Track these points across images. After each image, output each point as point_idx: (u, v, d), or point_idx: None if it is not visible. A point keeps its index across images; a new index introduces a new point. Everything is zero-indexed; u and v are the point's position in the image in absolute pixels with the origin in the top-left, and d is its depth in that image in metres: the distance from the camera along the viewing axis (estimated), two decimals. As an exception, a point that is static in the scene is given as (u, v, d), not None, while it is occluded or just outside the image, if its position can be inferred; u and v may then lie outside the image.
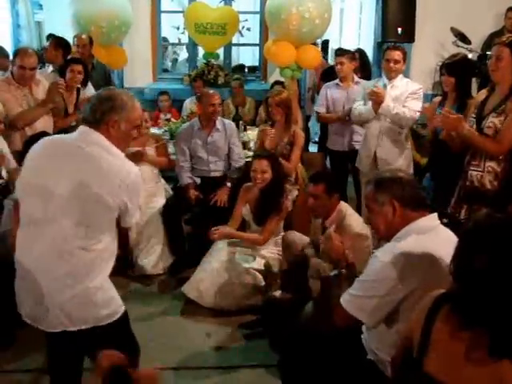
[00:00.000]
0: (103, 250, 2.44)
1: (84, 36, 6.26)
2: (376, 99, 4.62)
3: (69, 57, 5.63)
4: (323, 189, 3.60)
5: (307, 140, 6.94)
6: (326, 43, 9.49)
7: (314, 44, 7.19)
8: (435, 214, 2.38)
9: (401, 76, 4.82)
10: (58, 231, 2.34)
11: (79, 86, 5.14)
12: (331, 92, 5.68)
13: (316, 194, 3.63)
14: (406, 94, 4.70)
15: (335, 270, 2.78)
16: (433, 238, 2.26)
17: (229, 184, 5.04)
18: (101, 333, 2.44)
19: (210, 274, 4.19)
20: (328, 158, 6.18)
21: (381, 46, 7.17)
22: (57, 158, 2.41)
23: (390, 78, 4.79)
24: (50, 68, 5.64)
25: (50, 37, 6.74)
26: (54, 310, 2.38)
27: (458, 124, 3.58)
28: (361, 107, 4.91)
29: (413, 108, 4.62)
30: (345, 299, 2.36)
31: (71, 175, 2.33)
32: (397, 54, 4.71)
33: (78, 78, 5.09)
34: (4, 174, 3.51)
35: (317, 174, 3.83)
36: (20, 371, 3.45)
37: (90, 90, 5.30)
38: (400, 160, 4.78)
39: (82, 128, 2.45)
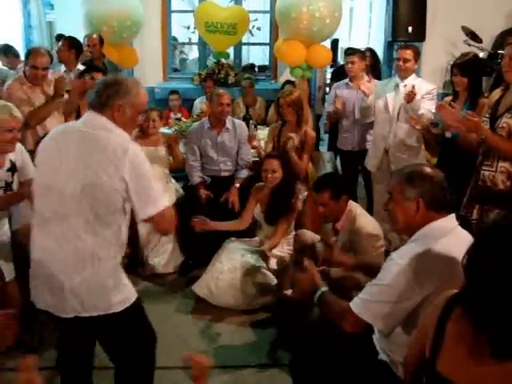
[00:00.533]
0: (112, 237, 2.44)
1: (95, 36, 6.30)
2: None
3: (80, 57, 5.69)
4: (329, 195, 3.55)
5: (317, 139, 6.93)
6: (335, 42, 9.47)
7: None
8: (453, 215, 2.32)
9: (413, 76, 4.80)
10: (69, 219, 2.38)
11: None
12: (341, 92, 5.66)
13: (322, 202, 3.58)
14: (420, 94, 4.66)
15: (316, 296, 2.49)
16: (452, 240, 2.19)
17: (237, 185, 5.05)
18: (114, 321, 2.46)
19: (221, 273, 4.20)
20: (338, 158, 6.17)
21: (391, 45, 7.16)
22: (64, 147, 2.45)
23: (402, 77, 4.77)
24: (63, 68, 5.66)
25: (60, 37, 6.78)
26: (67, 296, 2.40)
27: (479, 126, 3.55)
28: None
29: (429, 109, 4.59)
30: (356, 304, 2.28)
31: (79, 163, 2.37)
32: (407, 53, 4.69)
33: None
34: (15, 186, 3.47)
35: (319, 182, 3.75)
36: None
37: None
38: (412, 161, 4.75)
39: (88, 113, 2.51)
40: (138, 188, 2.36)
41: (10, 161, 3.37)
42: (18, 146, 3.44)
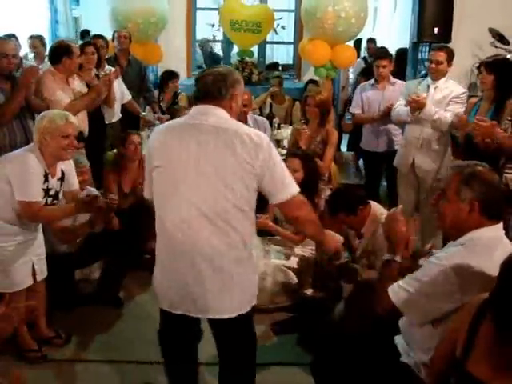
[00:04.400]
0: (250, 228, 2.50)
1: (124, 30, 6.40)
2: (416, 106, 4.58)
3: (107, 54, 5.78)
4: (344, 214, 3.57)
5: (340, 139, 6.92)
6: (358, 42, 9.44)
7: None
8: (501, 225, 2.26)
9: (445, 78, 4.75)
10: (216, 208, 2.32)
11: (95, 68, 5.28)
12: (366, 93, 5.65)
13: (341, 221, 3.61)
14: (450, 97, 4.64)
15: (388, 255, 2.53)
16: (501, 252, 2.05)
17: None
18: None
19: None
20: (362, 159, 6.16)
21: (416, 46, 7.11)
22: (197, 141, 2.34)
23: (434, 79, 4.74)
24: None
25: (85, 33, 6.87)
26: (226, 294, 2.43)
27: (491, 131, 3.52)
28: (400, 108, 4.89)
29: (455, 112, 4.54)
30: (395, 292, 2.29)
31: (217, 155, 2.30)
32: (440, 55, 4.63)
33: (92, 58, 5.20)
34: (61, 195, 3.45)
35: (330, 204, 3.73)
36: (76, 361, 3.54)
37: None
38: (437, 164, 4.74)
39: (202, 107, 2.41)
40: (274, 174, 2.36)
41: (61, 170, 3.40)
42: None
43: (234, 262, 2.41)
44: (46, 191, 3.26)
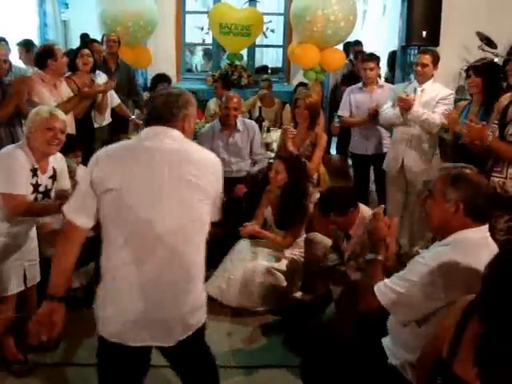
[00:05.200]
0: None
1: (113, 34, 6.41)
2: (404, 106, 4.62)
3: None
4: (335, 216, 3.59)
5: (328, 142, 6.95)
6: (347, 45, 9.47)
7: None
8: (486, 226, 2.27)
9: (431, 81, 4.80)
10: (172, 237, 2.22)
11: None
12: (354, 96, 5.67)
13: (332, 222, 3.64)
14: (437, 99, 4.69)
15: (372, 254, 2.57)
16: (486, 254, 2.02)
17: (244, 189, 5.09)
18: (199, 333, 2.43)
19: (232, 273, 4.21)
20: (350, 162, 6.18)
21: (405, 50, 7.15)
22: (153, 165, 2.22)
23: (420, 82, 4.78)
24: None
25: (85, 36, 6.84)
26: (175, 321, 2.28)
27: (482, 133, 3.55)
28: (388, 111, 4.92)
29: (442, 114, 4.58)
30: (380, 290, 2.30)
31: (174, 178, 2.21)
32: (425, 58, 4.70)
33: (88, 61, 5.21)
34: (52, 194, 3.40)
35: (322, 204, 3.74)
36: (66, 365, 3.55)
37: (100, 77, 5.48)
38: (427, 167, 4.77)
39: (154, 128, 2.32)
40: (217, 199, 2.40)
41: (53, 168, 3.37)
42: (59, 155, 3.44)
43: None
44: (35, 187, 3.23)
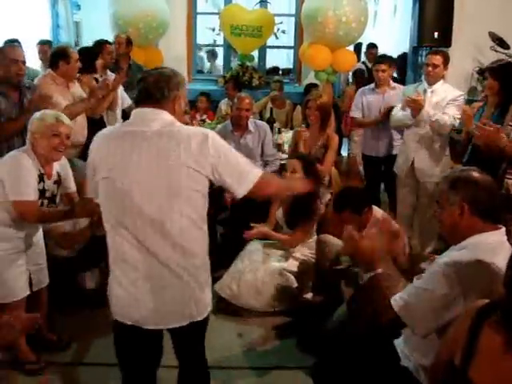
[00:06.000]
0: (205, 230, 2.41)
1: (122, 35, 6.41)
2: (414, 106, 4.60)
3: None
4: (349, 213, 3.58)
5: (340, 144, 6.94)
6: (358, 46, 9.46)
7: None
8: (503, 229, 2.24)
9: (442, 81, 4.79)
10: (168, 217, 2.21)
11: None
12: (367, 97, 5.66)
13: (345, 220, 3.60)
14: (447, 100, 4.67)
15: (368, 273, 2.47)
16: (504, 257, 1.98)
17: None
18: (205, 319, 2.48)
19: (243, 274, 4.22)
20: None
21: (416, 50, 7.13)
22: (142, 148, 2.22)
23: (430, 83, 4.76)
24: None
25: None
26: (184, 301, 2.34)
27: (495, 136, 3.53)
28: (399, 113, 4.90)
29: (453, 115, 4.58)
30: (397, 303, 2.23)
31: (163, 160, 2.20)
32: (436, 59, 4.68)
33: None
34: (58, 199, 3.43)
35: (338, 201, 3.74)
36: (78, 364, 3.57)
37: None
38: (437, 168, 4.75)
39: (148, 111, 2.29)
40: (228, 168, 2.26)
41: (58, 173, 3.38)
42: (64, 159, 3.43)
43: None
44: (42, 192, 3.24)
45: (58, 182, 3.40)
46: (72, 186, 3.52)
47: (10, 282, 3.23)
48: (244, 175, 2.29)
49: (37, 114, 3.29)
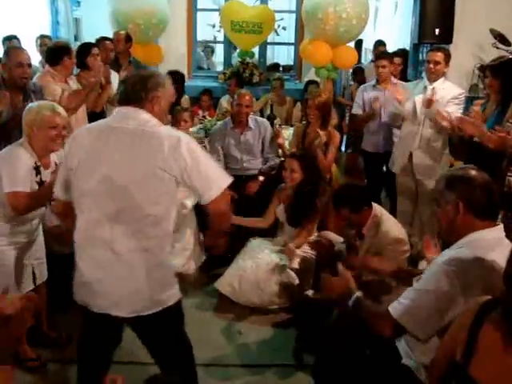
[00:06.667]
0: (171, 229, 2.43)
1: (122, 32, 6.38)
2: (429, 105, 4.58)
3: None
4: (348, 211, 3.58)
5: (340, 140, 6.92)
6: (359, 43, 9.44)
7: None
8: (501, 226, 2.24)
9: (442, 79, 4.76)
10: (132, 212, 2.32)
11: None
12: (368, 94, 5.65)
13: (344, 217, 3.63)
14: (447, 98, 4.64)
15: (350, 301, 2.42)
16: (503, 253, 1.98)
17: (261, 178, 5.09)
18: (166, 314, 2.47)
19: (244, 271, 4.21)
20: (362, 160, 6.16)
21: (417, 48, 7.12)
22: (112, 142, 2.36)
23: (431, 80, 4.73)
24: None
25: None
26: (134, 294, 2.38)
27: (505, 141, 3.51)
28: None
29: (454, 113, 4.54)
30: (396, 309, 2.18)
31: (131, 157, 2.32)
32: (437, 56, 4.66)
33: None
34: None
35: (337, 198, 3.73)
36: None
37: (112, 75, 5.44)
38: (436, 166, 4.73)
39: (124, 108, 2.43)
40: (197, 173, 2.33)
41: (55, 163, 3.36)
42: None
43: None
44: (40, 184, 3.22)
45: (56, 171, 3.38)
46: None
47: (16, 276, 3.25)
48: (212, 182, 2.36)
49: (32, 106, 3.27)
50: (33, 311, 2.23)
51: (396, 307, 2.19)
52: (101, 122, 2.61)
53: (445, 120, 4.49)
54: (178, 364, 2.67)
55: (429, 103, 4.56)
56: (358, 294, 2.42)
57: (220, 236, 2.77)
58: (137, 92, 2.42)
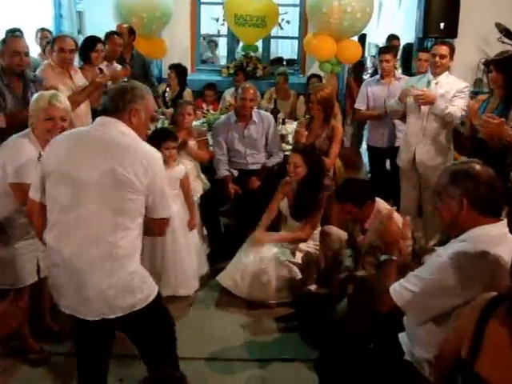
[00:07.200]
0: (137, 236, 2.48)
1: (124, 25, 6.38)
2: (425, 100, 4.56)
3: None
4: (352, 206, 3.58)
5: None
6: (363, 37, 9.39)
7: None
8: (505, 222, 2.23)
9: (446, 73, 4.72)
10: (93, 219, 2.37)
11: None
12: (372, 88, 5.63)
13: (347, 212, 3.63)
14: (452, 92, 4.61)
15: (386, 255, 2.57)
16: (505, 249, 2.08)
17: (264, 172, 5.09)
18: (137, 316, 2.48)
19: (247, 265, 4.21)
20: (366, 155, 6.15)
21: (422, 42, 7.07)
22: (84, 149, 2.44)
23: (435, 74, 4.69)
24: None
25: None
26: (93, 299, 2.40)
27: (500, 128, 3.50)
28: (392, 102, 4.87)
29: (459, 107, 4.51)
30: (396, 291, 2.27)
31: (100, 164, 2.37)
32: (443, 49, 4.61)
33: (100, 56, 5.21)
34: None
35: (340, 192, 3.74)
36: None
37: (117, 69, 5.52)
38: (440, 160, 4.71)
39: (103, 118, 2.50)
40: (159, 192, 2.47)
41: None
42: None
43: None
44: None
45: None
46: None
47: (19, 268, 3.25)
48: (167, 206, 2.56)
49: (35, 96, 3.29)
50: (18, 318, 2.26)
51: (396, 288, 2.28)
52: (81, 129, 2.71)
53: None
54: (160, 360, 2.68)
55: (423, 104, 4.60)
56: (395, 258, 2.51)
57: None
58: (114, 104, 2.49)
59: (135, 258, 2.49)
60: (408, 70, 6.81)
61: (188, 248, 4.24)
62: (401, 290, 2.26)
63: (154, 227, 2.60)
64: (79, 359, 2.80)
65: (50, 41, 5.15)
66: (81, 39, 5.90)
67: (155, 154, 2.49)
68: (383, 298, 2.32)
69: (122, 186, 2.35)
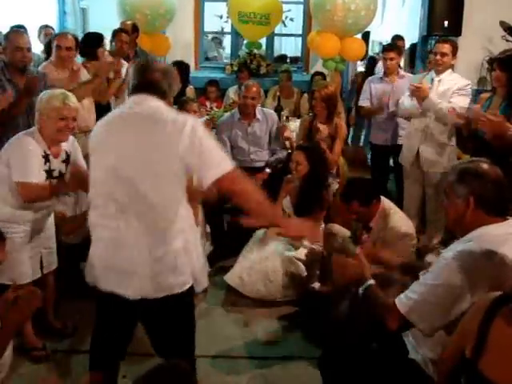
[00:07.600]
0: (185, 212, 2.46)
1: (128, 22, 6.37)
2: (419, 94, 4.55)
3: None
4: (358, 205, 3.57)
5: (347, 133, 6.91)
6: (366, 35, 9.38)
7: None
8: (510, 221, 2.20)
9: (449, 71, 4.72)
10: (141, 205, 2.35)
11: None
12: (375, 86, 5.62)
13: (353, 212, 3.62)
14: (453, 89, 4.60)
15: (362, 287, 2.42)
16: (508, 248, 2.05)
17: (268, 170, 5.08)
18: (170, 302, 2.45)
19: (253, 263, 4.21)
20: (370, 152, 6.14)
21: (426, 40, 7.06)
22: (122, 131, 2.43)
23: (438, 72, 4.69)
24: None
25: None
26: (139, 272, 2.39)
27: (502, 126, 3.49)
28: (406, 102, 4.85)
29: (458, 104, 4.50)
30: (402, 303, 2.17)
31: (140, 143, 2.36)
32: (445, 47, 4.61)
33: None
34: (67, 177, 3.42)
35: (346, 192, 3.73)
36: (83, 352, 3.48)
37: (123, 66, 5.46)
38: (443, 158, 4.70)
39: (145, 97, 2.44)
40: (200, 154, 2.32)
41: (66, 152, 3.35)
42: (70, 137, 3.39)
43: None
44: (49, 172, 3.22)
45: (67, 160, 3.37)
46: (81, 164, 3.48)
47: (23, 264, 3.26)
48: (215, 163, 2.33)
49: (45, 95, 3.26)
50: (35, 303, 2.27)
51: (403, 301, 2.18)
52: (116, 110, 2.68)
53: (457, 117, 4.45)
54: (177, 355, 2.65)
55: (417, 97, 4.58)
56: (372, 282, 2.39)
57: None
58: (161, 85, 2.46)
59: (182, 235, 2.43)
60: (412, 68, 6.80)
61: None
62: (408, 301, 2.17)
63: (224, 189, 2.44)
64: (95, 350, 2.76)
65: (52, 37, 5.14)
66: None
67: (192, 120, 2.40)
68: (390, 315, 2.21)
69: (165, 159, 2.32)
